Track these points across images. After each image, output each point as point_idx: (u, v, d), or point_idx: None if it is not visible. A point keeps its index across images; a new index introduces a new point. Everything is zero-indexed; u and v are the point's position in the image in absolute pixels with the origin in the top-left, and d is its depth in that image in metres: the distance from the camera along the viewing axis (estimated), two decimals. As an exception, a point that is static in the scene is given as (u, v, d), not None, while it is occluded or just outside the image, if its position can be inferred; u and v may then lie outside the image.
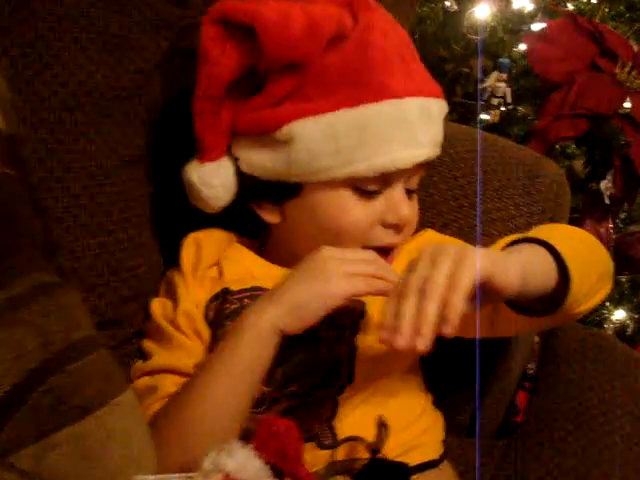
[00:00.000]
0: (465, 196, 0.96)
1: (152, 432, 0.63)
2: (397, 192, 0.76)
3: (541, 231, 0.74)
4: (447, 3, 1.46)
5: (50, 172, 0.73)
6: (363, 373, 0.75)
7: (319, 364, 0.74)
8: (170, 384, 0.73)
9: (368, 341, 0.75)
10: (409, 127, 0.73)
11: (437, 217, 0.96)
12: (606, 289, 0.74)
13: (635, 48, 1.36)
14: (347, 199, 0.75)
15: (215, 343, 0.74)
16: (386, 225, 0.76)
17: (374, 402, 0.75)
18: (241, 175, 0.78)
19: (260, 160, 0.76)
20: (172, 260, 0.82)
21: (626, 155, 1.29)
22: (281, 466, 0.59)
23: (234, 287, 0.78)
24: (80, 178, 0.75)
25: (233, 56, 0.72)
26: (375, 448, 0.66)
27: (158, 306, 0.79)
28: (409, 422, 0.77)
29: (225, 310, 0.76)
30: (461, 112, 1.54)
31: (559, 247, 0.65)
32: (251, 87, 0.76)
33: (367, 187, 0.75)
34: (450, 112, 1.54)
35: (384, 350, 0.75)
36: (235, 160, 0.78)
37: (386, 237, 0.77)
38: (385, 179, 0.75)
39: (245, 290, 0.77)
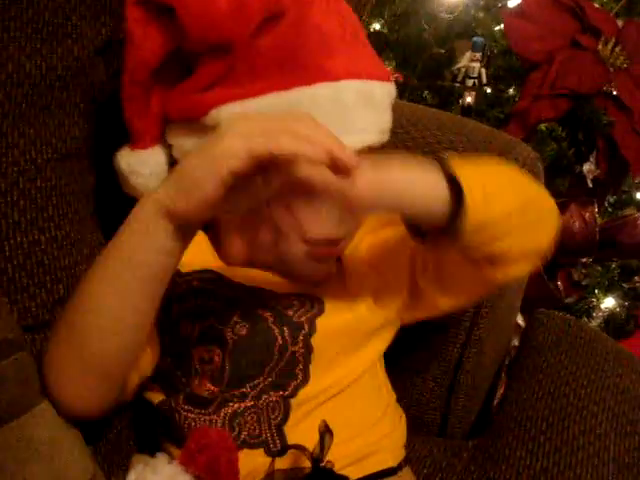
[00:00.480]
0: None
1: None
2: None
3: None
4: (415, -21, 1.41)
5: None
6: (319, 374, 0.72)
7: (272, 364, 0.71)
8: None
9: (325, 342, 0.72)
10: (345, 112, 0.68)
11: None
12: (547, 231, 0.69)
13: (620, 23, 1.32)
14: None
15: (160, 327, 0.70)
16: None
17: (329, 407, 0.72)
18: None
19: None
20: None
21: (610, 136, 1.27)
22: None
23: (183, 269, 0.73)
24: (9, 174, 0.71)
25: (157, 39, 0.67)
26: (317, 457, 0.62)
27: None
28: (367, 427, 0.74)
29: (172, 292, 0.69)
30: (445, 95, 1.51)
31: (462, 173, 0.61)
32: (181, 71, 0.71)
33: None
34: (433, 96, 1.53)
35: (343, 351, 0.74)
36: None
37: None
38: None
39: (195, 272, 0.73)
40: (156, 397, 0.73)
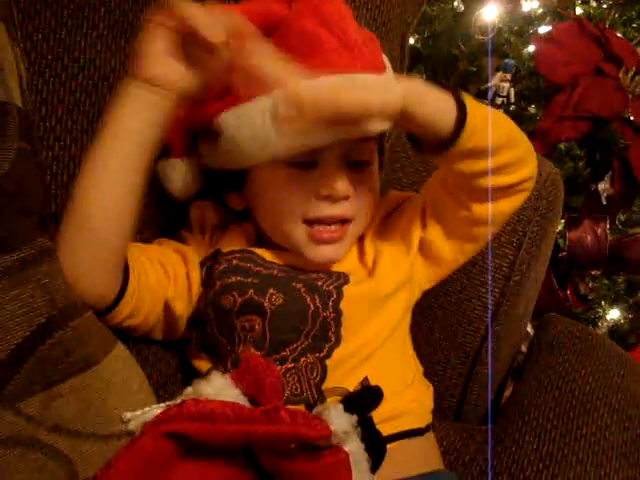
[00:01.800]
0: None
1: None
2: (331, 166, 0.77)
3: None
4: (455, 3, 1.49)
5: (66, 149, 0.78)
6: (350, 336, 0.78)
7: (307, 328, 0.77)
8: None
9: (352, 306, 0.79)
10: None
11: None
12: (528, 165, 0.77)
13: None
14: (282, 176, 0.77)
15: (206, 302, 0.79)
16: (319, 197, 0.77)
17: (363, 368, 0.78)
18: (205, 169, 0.83)
19: (211, 153, 0.80)
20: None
21: (625, 158, 1.33)
22: (257, 397, 0.63)
23: (225, 249, 0.81)
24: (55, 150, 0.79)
25: None
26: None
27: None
28: (398, 390, 0.80)
29: (214, 270, 0.79)
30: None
31: (470, 103, 0.70)
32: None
33: (298, 160, 0.76)
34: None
35: (369, 313, 0.80)
36: (199, 156, 0.83)
37: (324, 209, 0.78)
38: (314, 152, 0.75)
39: (235, 251, 0.81)
40: (204, 365, 0.80)
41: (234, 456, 0.63)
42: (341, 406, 0.67)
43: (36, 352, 0.59)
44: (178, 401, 0.64)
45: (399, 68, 1.09)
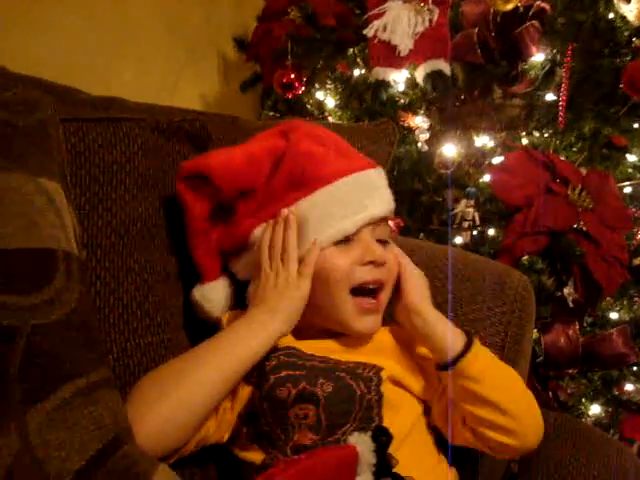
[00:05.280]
0: (445, 302, 1.09)
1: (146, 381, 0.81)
2: (368, 238, 0.91)
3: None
4: (419, 144, 1.67)
5: (106, 286, 0.88)
6: (389, 415, 0.88)
7: (355, 411, 0.86)
8: None
9: (389, 388, 0.89)
10: (345, 201, 0.91)
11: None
12: (512, 438, 0.88)
13: (584, 172, 1.55)
14: (329, 252, 0.90)
15: (261, 397, 0.87)
16: (364, 263, 0.91)
17: (403, 449, 0.86)
18: (239, 282, 0.97)
19: (246, 266, 0.95)
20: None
21: (584, 264, 1.45)
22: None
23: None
24: (129, 290, 0.90)
25: (201, 198, 0.94)
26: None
27: None
28: (428, 470, 0.89)
29: (266, 367, 0.88)
30: (438, 237, 1.73)
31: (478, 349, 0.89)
32: (228, 216, 0.96)
33: (342, 237, 0.91)
34: (427, 237, 1.75)
35: (400, 398, 0.91)
36: (232, 274, 0.98)
37: (369, 273, 0.91)
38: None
39: (278, 349, 0.90)
40: (257, 456, 0.87)
41: None
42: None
43: (107, 464, 0.67)
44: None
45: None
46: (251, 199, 0.94)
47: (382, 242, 0.94)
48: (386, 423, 0.86)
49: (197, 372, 0.80)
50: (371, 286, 0.91)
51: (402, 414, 0.90)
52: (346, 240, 0.90)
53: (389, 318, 0.97)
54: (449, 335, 0.89)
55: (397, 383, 0.91)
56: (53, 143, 0.81)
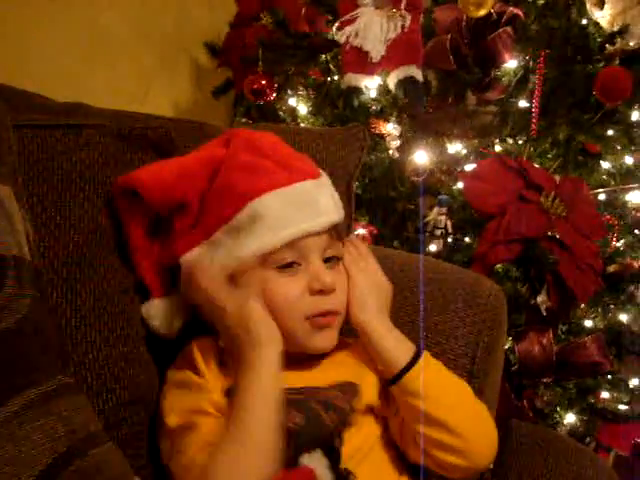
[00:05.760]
0: (416, 312, 1.09)
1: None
2: (315, 263, 0.88)
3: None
4: (390, 152, 1.66)
5: (64, 297, 0.85)
6: (351, 433, 0.86)
7: (323, 441, 0.84)
8: None
9: (358, 415, 0.87)
10: (271, 218, 0.85)
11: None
12: (461, 458, 0.85)
13: (557, 179, 1.55)
14: (278, 281, 0.87)
15: None
16: (313, 292, 0.87)
17: (364, 466, 0.85)
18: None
19: (188, 288, 0.90)
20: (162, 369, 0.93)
21: (557, 271, 1.44)
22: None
23: None
24: (88, 301, 0.87)
25: (137, 214, 0.91)
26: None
27: (174, 419, 0.86)
28: None
29: None
30: (412, 244, 1.72)
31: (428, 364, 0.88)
32: (166, 233, 0.93)
33: (284, 261, 0.87)
34: (402, 245, 1.74)
35: (362, 416, 0.89)
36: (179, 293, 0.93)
37: (319, 302, 0.87)
38: (296, 249, 0.87)
39: None
40: None
41: None
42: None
43: (58, 478, 0.64)
44: None
45: (347, 214, 1.21)
46: (187, 215, 0.90)
47: (335, 258, 0.92)
48: (347, 441, 0.85)
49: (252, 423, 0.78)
50: (325, 314, 0.89)
51: (364, 431, 0.88)
52: (291, 264, 0.87)
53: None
54: (393, 349, 0.88)
55: (366, 408, 0.90)
56: (3, 145, 0.79)
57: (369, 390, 0.90)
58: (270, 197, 0.86)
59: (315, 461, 0.76)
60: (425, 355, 0.89)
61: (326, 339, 0.90)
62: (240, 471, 0.75)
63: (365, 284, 0.93)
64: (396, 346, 0.89)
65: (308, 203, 0.88)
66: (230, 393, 0.84)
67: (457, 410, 0.86)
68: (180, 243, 0.90)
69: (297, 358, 0.89)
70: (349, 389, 0.88)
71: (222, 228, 0.87)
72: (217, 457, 0.76)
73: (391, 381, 0.88)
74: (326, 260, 0.90)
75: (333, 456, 0.77)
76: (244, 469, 0.76)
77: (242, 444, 0.76)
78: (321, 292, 0.87)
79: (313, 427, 0.84)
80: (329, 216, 0.90)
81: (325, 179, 0.94)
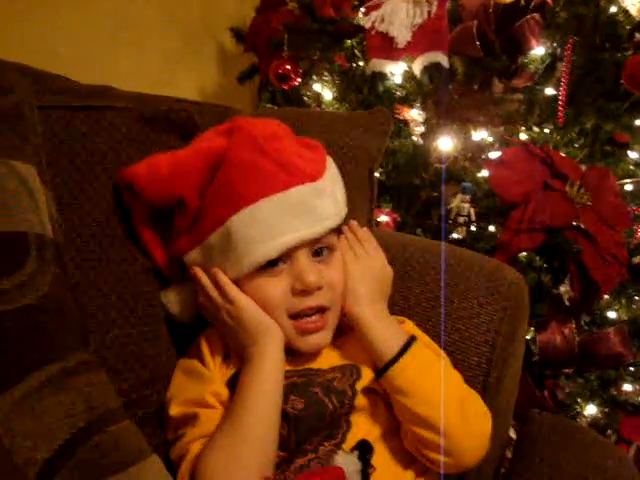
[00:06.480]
0: (436, 298, 1.08)
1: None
2: (300, 262, 0.86)
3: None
4: (414, 138, 1.65)
5: (86, 276, 0.86)
6: (358, 421, 0.86)
7: (325, 426, 0.85)
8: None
9: (362, 399, 0.87)
10: (266, 225, 0.83)
11: (414, 316, 1.07)
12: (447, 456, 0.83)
13: (583, 169, 1.53)
14: (258, 282, 0.86)
15: None
16: (295, 293, 0.85)
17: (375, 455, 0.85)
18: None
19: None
20: (184, 351, 0.95)
21: (581, 262, 1.42)
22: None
23: None
24: (109, 281, 0.88)
25: (140, 206, 0.91)
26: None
27: (175, 408, 0.87)
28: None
29: None
30: (435, 232, 1.71)
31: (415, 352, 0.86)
32: (169, 228, 0.93)
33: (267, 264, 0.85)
34: (425, 233, 1.73)
35: (371, 402, 0.88)
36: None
37: (302, 302, 0.86)
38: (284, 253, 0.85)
39: None
40: None
41: None
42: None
43: (77, 453, 0.65)
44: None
45: (369, 199, 1.22)
46: (185, 213, 0.89)
47: (323, 251, 0.90)
48: (355, 425, 0.85)
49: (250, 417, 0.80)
50: (309, 311, 0.87)
51: (372, 416, 0.88)
52: (274, 264, 0.85)
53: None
54: (382, 341, 0.87)
55: (370, 390, 0.88)
56: (28, 126, 0.79)
57: (371, 373, 0.88)
58: (266, 203, 0.84)
59: (348, 463, 0.77)
60: (415, 347, 0.86)
61: (313, 343, 0.89)
62: (236, 462, 0.77)
63: (358, 273, 0.92)
64: (385, 338, 0.87)
65: (305, 211, 0.85)
66: (231, 383, 0.86)
67: (444, 409, 0.83)
68: (180, 243, 0.91)
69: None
70: (350, 371, 0.88)
71: (217, 231, 0.86)
72: (214, 448, 0.78)
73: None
74: (317, 252, 0.89)
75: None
76: (240, 460, 0.77)
77: (242, 439, 0.78)
78: (303, 292, 0.86)
79: (314, 412, 0.84)
80: (327, 222, 0.88)
81: (328, 177, 0.91)
